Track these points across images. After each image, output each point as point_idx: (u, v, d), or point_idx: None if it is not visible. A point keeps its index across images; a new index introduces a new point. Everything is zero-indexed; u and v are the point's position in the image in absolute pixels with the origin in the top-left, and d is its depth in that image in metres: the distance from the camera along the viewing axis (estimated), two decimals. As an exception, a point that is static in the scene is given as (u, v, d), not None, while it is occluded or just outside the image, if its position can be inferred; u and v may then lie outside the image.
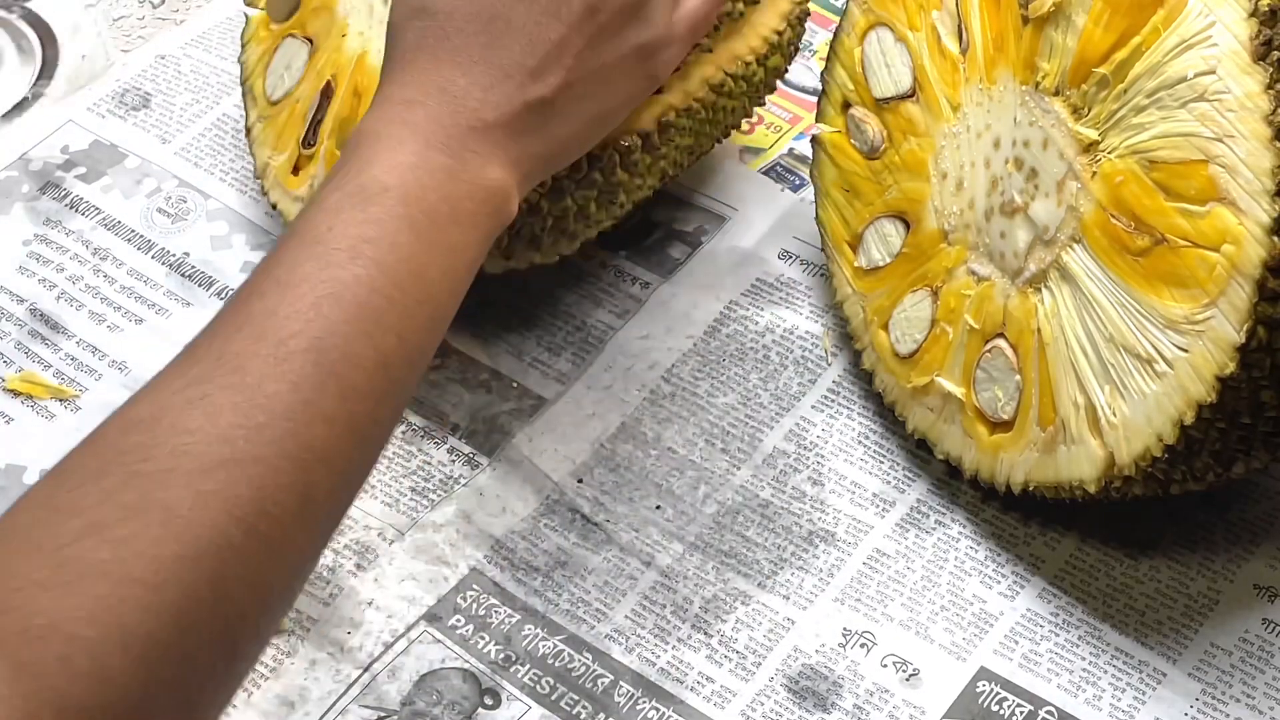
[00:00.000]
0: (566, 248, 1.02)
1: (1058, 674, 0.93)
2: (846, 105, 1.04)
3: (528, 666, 0.93)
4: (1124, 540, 0.97)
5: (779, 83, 1.08)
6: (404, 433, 1.03)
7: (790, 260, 1.11)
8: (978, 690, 0.92)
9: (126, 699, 0.66)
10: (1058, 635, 0.94)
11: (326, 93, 1.05)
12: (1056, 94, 0.92)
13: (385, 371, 0.76)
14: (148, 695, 0.66)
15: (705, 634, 0.95)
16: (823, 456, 1.02)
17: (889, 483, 1.01)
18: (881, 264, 1.02)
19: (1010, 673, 0.93)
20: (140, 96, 1.21)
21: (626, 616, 0.95)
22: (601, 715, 0.91)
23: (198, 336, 0.76)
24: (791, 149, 1.17)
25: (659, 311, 1.09)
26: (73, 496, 0.68)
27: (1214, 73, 0.84)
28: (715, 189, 1.15)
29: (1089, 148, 0.90)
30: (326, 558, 0.96)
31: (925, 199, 0.99)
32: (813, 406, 1.04)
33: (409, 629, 0.95)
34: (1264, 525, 0.98)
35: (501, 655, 0.94)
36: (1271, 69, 0.83)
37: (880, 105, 1.02)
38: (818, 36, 1.22)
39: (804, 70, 1.19)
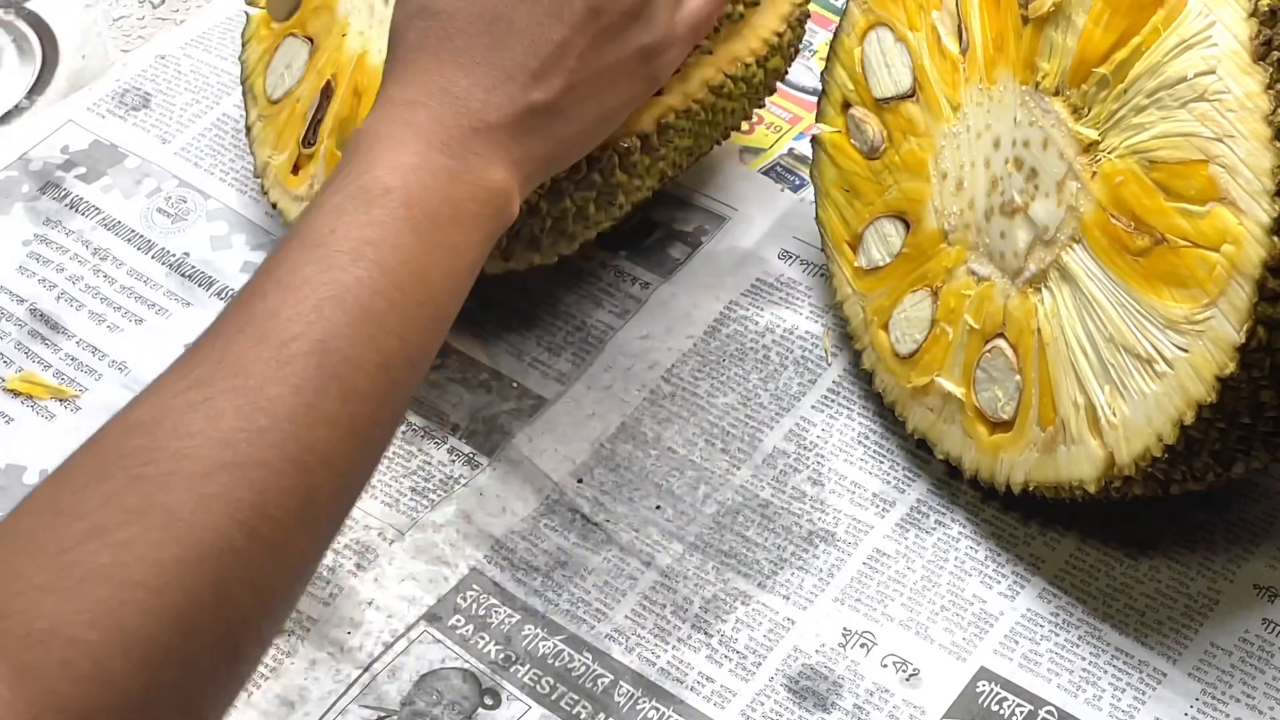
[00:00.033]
0: (566, 248, 1.02)
1: (1058, 674, 0.93)
2: (846, 105, 1.04)
3: (528, 666, 0.93)
4: (1124, 540, 0.97)
5: (779, 83, 1.08)
6: (404, 433, 1.03)
7: (790, 260, 1.11)
8: (978, 690, 0.92)
9: (128, 702, 0.66)
10: (1058, 635, 0.94)
11: (327, 92, 1.05)
12: (1056, 94, 0.92)
13: (387, 373, 0.76)
14: (149, 698, 0.66)
15: (705, 634, 0.95)
16: (823, 456, 1.02)
17: (889, 483, 1.01)
18: (881, 264, 1.02)
19: (1010, 673, 0.93)
20: (140, 96, 1.21)
21: (626, 616, 0.95)
22: (601, 715, 0.91)
23: (199, 338, 0.76)
24: (791, 149, 1.17)
25: (659, 311, 1.09)
26: (74, 500, 0.68)
27: (1214, 73, 0.84)
28: (715, 189, 1.15)
29: (1089, 148, 0.90)
30: (326, 558, 0.96)
31: (925, 199, 0.99)
32: (813, 406, 1.04)
33: (409, 629, 0.95)
34: (1264, 525, 0.98)
35: (501, 655, 0.94)
36: (1271, 69, 0.83)
37: (880, 105, 1.02)
38: (818, 36, 1.22)
39: (804, 70, 1.19)
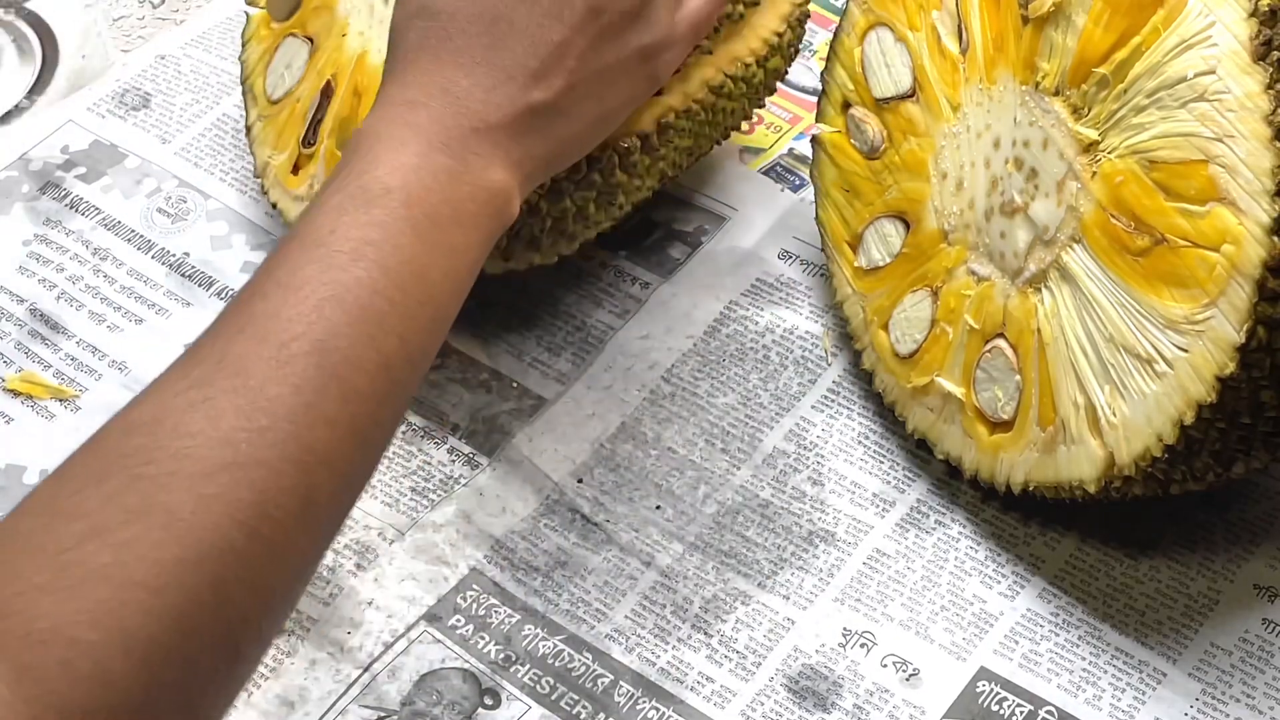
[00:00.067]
0: (566, 249, 1.02)
1: (1058, 674, 0.93)
2: (846, 105, 1.04)
3: (528, 666, 0.93)
4: (1124, 540, 0.97)
5: (779, 83, 1.08)
6: (404, 433, 1.03)
7: (790, 260, 1.11)
8: (978, 690, 0.92)
9: (128, 702, 0.66)
10: (1058, 635, 0.94)
11: (327, 92, 1.05)
12: (1056, 94, 0.92)
13: (387, 373, 0.76)
14: (150, 698, 0.66)
15: (705, 634, 0.95)
16: (823, 456, 1.02)
17: (889, 483, 1.01)
18: (881, 264, 1.02)
19: (1010, 673, 0.93)
20: (140, 96, 1.21)
21: (626, 616, 0.95)
22: (601, 715, 0.91)
23: (199, 338, 0.76)
24: (791, 149, 1.17)
25: (659, 311, 1.09)
26: (74, 500, 0.68)
27: (1214, 73, 0.84)
28: (715, 189, 1.15)
29: (1089, 148, 0.90)
30: (326, 558, 0.96)
31: (925, 199, 0.99)
32: (813, 406, 1.04)
33: (409, 629, 0.95)
34: (1264, 525, 0.98)
35: (501, 655, 0.94)
36: (1271, 69, 0.83)
37: (880, 105, 1.02)
38: (818, 36, 1.22)
39: (804, 70, 1.19)
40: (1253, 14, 0.83)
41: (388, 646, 0.94)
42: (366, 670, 0.93)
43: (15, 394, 1.05)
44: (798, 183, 1.15)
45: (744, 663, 0.93)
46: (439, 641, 0.94)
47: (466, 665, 0.93)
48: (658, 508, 1.00)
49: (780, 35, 1.04)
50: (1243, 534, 0.97)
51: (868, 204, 1.03)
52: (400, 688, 0.92)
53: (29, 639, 0.64)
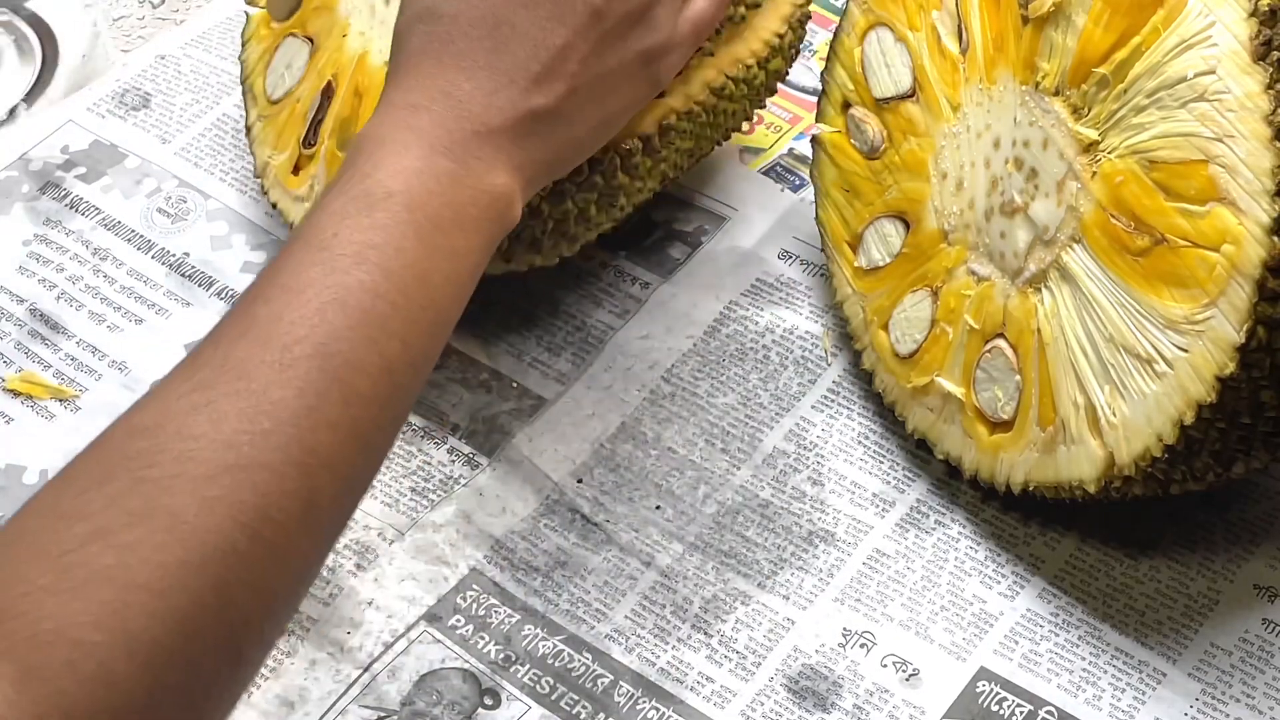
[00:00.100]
0: (566, 250, 1.02)
1: (1058, 674, 0.93)
2: (846, 105, 1.04)
3: (528, 666, 0.93)
4: (1124, 540, 0.97)
5: (779, 83, 1.08)
6: (404, 433, 1.03)
7: (790, 260, 1.11)
8: (978, 690, 0.92)
9: (132, 704, 0.66)
10: (1058, 635, 0.94)
11: (327, 92, 1.05)
12: (1056, 94, 0.92)
13: (389, 377, 0.77)
14: (153, 700, 0.66)
15: (705, 634, 0.95)
16: (823, 456, 1.02)
17: (889, 483, 1.01)
18: (881, 264, 1.02)
19: (1010, 673, 0.93)
20: (140, 96, 1.21)
21: (626, 616, 0.95)
22: (601, 715, 0.91)
23: (202, 341, 0.76)
24: (791, 149, 1.17)
25: (659, 311, 1.09)
26: (78, 502, 0.68)
27: (1214, 73, 0.84)
28: (715, 189, 1.15)
29: (1089, 148, 0.90)
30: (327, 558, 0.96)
31: (925, 199, 0.99)
32: (813, 406, 1.04)
33: (409, 629, 0.95)
34: (1264, 525, 0.98)
35: (501, 655, 0.94)
36: (1271, 69, 0.83)
37: (880, 105, 1.02)
38: (818, 36, 1.22)
39: (804, 70, 1.19)
40: (1253, 14, 0.83)
41: (388, 646, 0.94)
42: (366, 670, 0.93)
43: (15, 394, 1.05)
44: (798, 183, 1.15)
45: (744, 663, 0.93)
46: (439, 641, 0.94)
47: (466, 665, 0.93)
48: (658, 508, 1.00)
49: (781, 37, 1.04)
50: (1243, 534, 0.97)
51: (868, 204, 1.03)
52: (400, 688, 0.92)
53: (34, 640, 0.65)
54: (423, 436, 1.03)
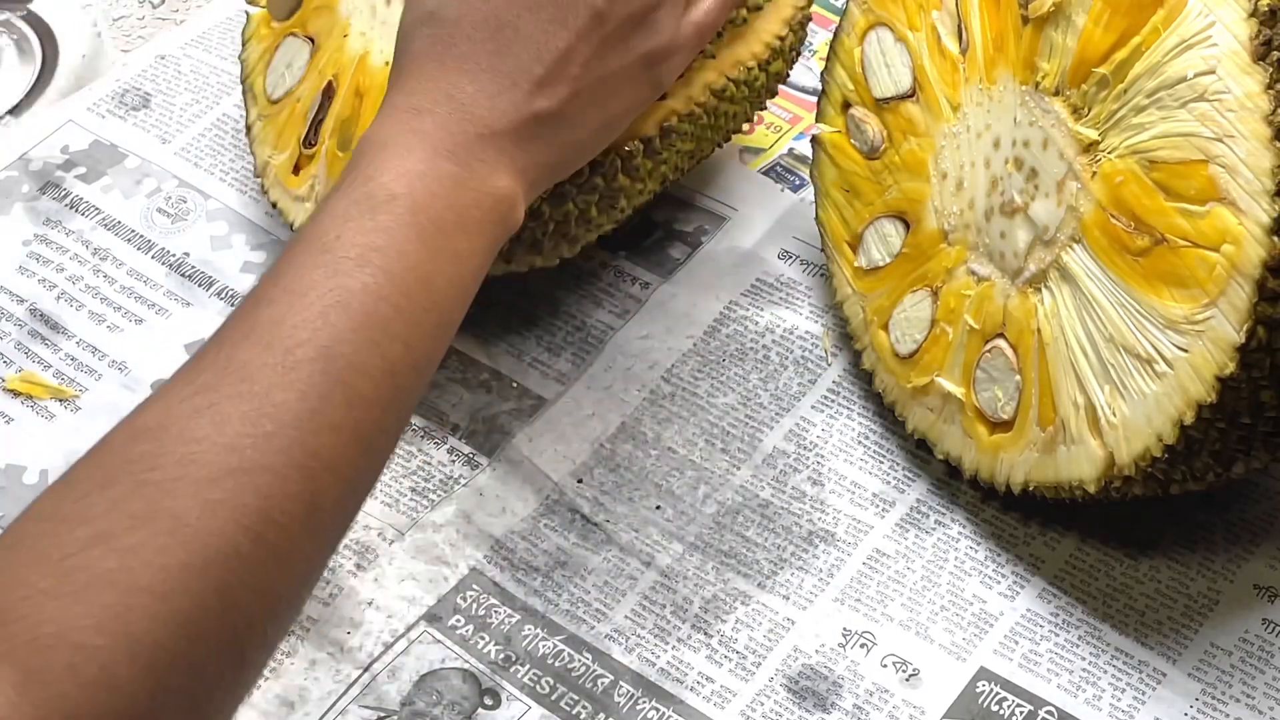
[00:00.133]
0: (567, 251, 1.02)
1: (1058, 674, 0.93)
2: (846, 105, 1.04)
3: (528, 666, 0.93)
4: (1124, 540, 0.97)
5: (779, 84, 1.08)
6: (404, 433, 1.03)
7: (790, 260, 1.11)
8: (978, 690, 0.92)
9: (134, 707, 0.66)
10: (1058, 635, 0.94)
11: (328, 92, 1.05)
12: (1056, 94, 0.92)
13: (392, 379, 0.77)
14: (155, 703, 0.66)
15: (705, 634, 0.95)
16: (823, 456, 1.02)
17: (889, 483, 1.01)
18: (881, 264, 1.02)
19: (1010, 673, 0.93)
20: (140, 96, 1.21)
21: (626, 616, 0.95)
22: (601, 715, 0.91)
23: (204, 344, 0.76)
24: (791, 149, 1.17)
25: (659, 311, 1.09)
26: (80, 505, 0.68)
27: (1214, 73, 0.84)
28: (715, 189, 1.15)
29: (1089, 148, 0.90)
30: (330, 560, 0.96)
31: (925, 199, 0.99)
32: (813, 406, 1.04)
33: (409, 629, 0.95)
34: (1264, 525, 0.98)
35: (501, 655, 0.94)
36: (1271, 69, 0.83)
37: (880, 105, 1.02)
38: (818, 36, 1.22)
39: (804, 70, 1.19)
40: (1253, 14, 0.84)
41: (388, 646, 0.94)
42: (366, 670, 0.93)
43: (15, 394, 1.05)
44: (798, 183, 1.15)
45: (744, 663, 0.93)
46: (439, 641, 0.94)
47: (466, 665, 0.93)
48: (658, 508, 1.00)
49: (782, 39, 1.04)
50: (1243, 534, 0.97)
51: (868, 204, 1.03)
52: (400, 688, 0.92)
53: (35, 643, 0.64)
54: (423, 436, 1.03)
